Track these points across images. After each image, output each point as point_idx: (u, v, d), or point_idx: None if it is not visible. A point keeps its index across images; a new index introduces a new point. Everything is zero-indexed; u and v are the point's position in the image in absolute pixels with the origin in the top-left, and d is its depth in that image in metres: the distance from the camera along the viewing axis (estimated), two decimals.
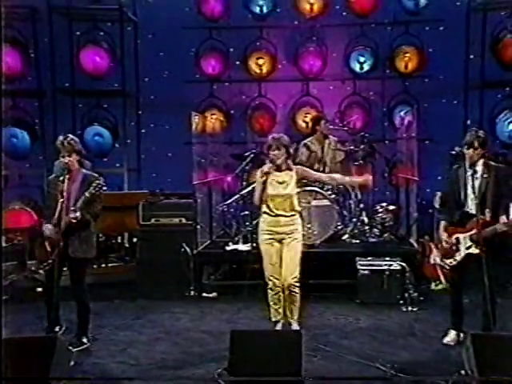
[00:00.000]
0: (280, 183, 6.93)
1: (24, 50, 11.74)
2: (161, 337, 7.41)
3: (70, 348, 6.67)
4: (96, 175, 7.06)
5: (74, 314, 7.26)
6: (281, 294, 7.05)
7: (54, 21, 11.91)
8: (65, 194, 6.80)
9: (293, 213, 7.00)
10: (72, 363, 6.17)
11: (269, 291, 7.10)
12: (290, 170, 7.01)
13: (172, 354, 6.81)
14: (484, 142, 6.59)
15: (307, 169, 7.45)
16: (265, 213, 7.03)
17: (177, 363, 6.54)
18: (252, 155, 10.42)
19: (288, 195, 6.94)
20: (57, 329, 7.14)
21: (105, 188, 6.83)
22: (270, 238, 7.01)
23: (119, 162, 12.15)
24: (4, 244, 10.72)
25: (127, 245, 10.96)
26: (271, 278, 7.03)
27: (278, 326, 7.14)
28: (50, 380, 5.37)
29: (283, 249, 7.01)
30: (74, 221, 6.71)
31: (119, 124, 12.24)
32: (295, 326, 7.07)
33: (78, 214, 6.70)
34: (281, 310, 7.11)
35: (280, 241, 7.00)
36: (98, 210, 6.96)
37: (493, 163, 6.71)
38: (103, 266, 10.28)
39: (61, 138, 7.02)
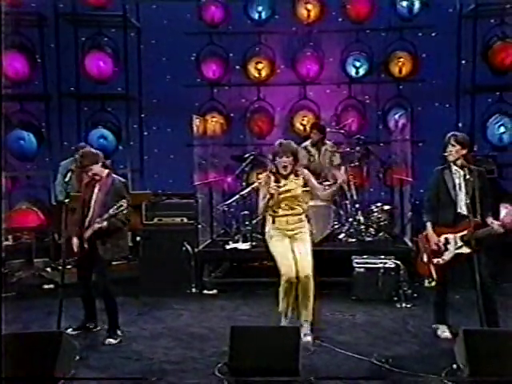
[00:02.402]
0: (288, 190, 6.81)
1: (31, 56, 11.93)
2: (163, 332, 7.43)
3: (112, 341, 6.94)
4: (123, 180, 7.19)
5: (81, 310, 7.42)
6: (293, 286, 6.81)
7: (60, 27, 12.11)
8: (93, 201, 6.99)
9: (301, 212, 6.95)
10: (77, 358, 6.16)
11: (283, 283, 6.79)
12: (297, 175, 6.90)
13: (174, 349, 6.83)
14: (461, 141, 6.67)
15: (311, 176, 7.14)
16: (273, 216, 6.95)
17: (178, 358, 6.56)
18: (251, 157, 10.54)
19: (297, 200, 6.89)
20: (91, 326, 7.40)
21: (125, 211, 6.78)
22: (280, 236, 6.89)
23: (123, 163, 12.19)
24: (11, 242, 10.96)
25: (131, 243, 10.84)
26: (287, 271, 6.77)
27: (284, 322, 6.95)
28: (49, 378, 5.49)
29: (294, 243, 6.90)
30: (99, 231, 6.85)
31: (123, 126, 12.36)
32: (306, 330, 6.86)
33: (105, 224, 6.82)
34: (291, 301, 6.86)
35: (290, 237, 6.90)
36: (127, 215, 6.94)
37: (475, 167, 6.78)
38: None
39: (78, 154, 7.17)
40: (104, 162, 7.16)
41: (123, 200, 6.78)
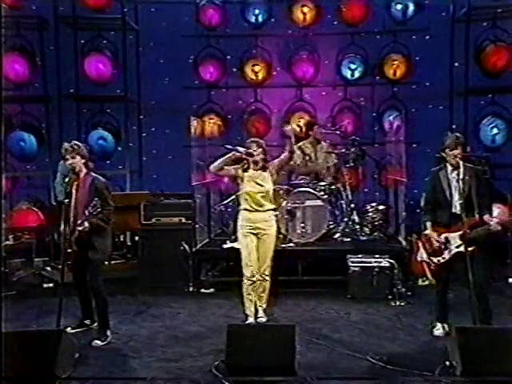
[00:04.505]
0: (257, 181, 7.40)
1: (31, 58, 12.02)
2: (161, 331, 7.48)
3: (99, 342, 6.91)
4: (103, 180, 7.10)
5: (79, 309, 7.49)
6: (255, 283, 7.43)
7: (59, 30, 12.17)
8: (73, 199, 6.86)
9: (269, 208, 7.48)
10: (77, 356, 6.24)
11: (245, 282, 7.43)
12: (265, 170, 7.46)
13: (172, 347, 6.88)
14: (463, 143, 6.81)
15: (275, 162, 7.62)
16: (244, 209, 7.47)
17: (176, 356, 6.59)
18: None
19: (265, 191, 7.41)
20: (88, 322, 7.45)
21: (99, 209, 6.69)
22: (248, 232, 7.41)
23: (122, 164, 12.33)
24: (12, 242, 11.02)
25: (129, 243, 11.13)
26: (249, 267, 7.39)
27: (250, 319, 7.44)
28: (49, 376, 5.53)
29: (259, 242, 7.42)
30: (83, 232, 6.78)
31: (122, 128, 12.44)
32: (261, 314, 7.49)
33: (86, 225, 6.75)
34: (254, 299, 7.46)
35: (256, 234, 7.42)
36: (108, 214, 6.94)
37: (471, 165, 6.89)
38: (106, 263, 10.23)
39: (65, 144, 7.11)
40: (87, 161, 7.07)
41: (96, 199, 6.71)
